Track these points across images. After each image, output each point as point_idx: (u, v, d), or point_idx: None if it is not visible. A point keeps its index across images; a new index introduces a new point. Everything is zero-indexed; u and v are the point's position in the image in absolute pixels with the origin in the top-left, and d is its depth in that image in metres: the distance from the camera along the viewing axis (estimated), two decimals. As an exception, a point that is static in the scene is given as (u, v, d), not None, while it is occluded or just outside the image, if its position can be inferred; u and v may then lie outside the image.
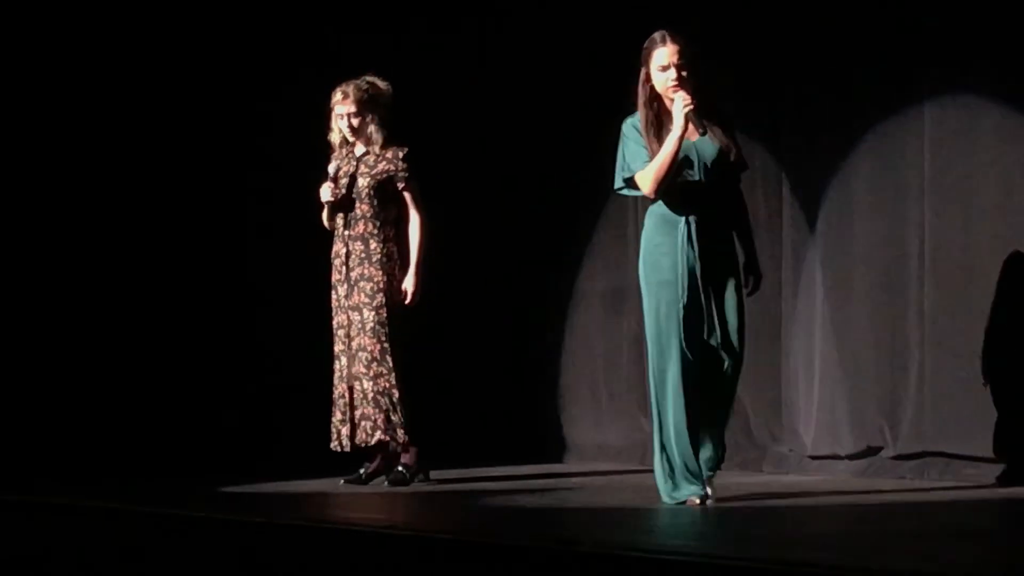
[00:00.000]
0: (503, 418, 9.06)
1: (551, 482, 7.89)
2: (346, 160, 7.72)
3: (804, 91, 7.89)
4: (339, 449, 7.66)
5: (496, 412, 9.08)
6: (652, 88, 6.49)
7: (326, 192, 7.65)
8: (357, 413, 7.60)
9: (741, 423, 8.01)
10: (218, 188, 9.20)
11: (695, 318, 6.43)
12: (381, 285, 7.58)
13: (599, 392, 8.99)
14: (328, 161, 7.73)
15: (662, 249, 6.48)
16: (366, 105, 7.64)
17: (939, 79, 7.42)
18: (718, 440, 6.51)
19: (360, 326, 7.58)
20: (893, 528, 5.96)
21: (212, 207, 9.23)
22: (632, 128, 6.54)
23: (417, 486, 7.56)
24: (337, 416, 7.66)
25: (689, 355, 6.42)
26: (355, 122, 7.65)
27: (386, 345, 7.54)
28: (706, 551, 5.30)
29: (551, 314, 9.15)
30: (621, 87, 8.58)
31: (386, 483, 7.60)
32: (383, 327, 7.55)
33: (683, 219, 6.43)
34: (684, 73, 6.41)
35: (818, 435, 7.81)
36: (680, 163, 6.42)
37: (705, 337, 6.42)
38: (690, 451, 6.44)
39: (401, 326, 7.58)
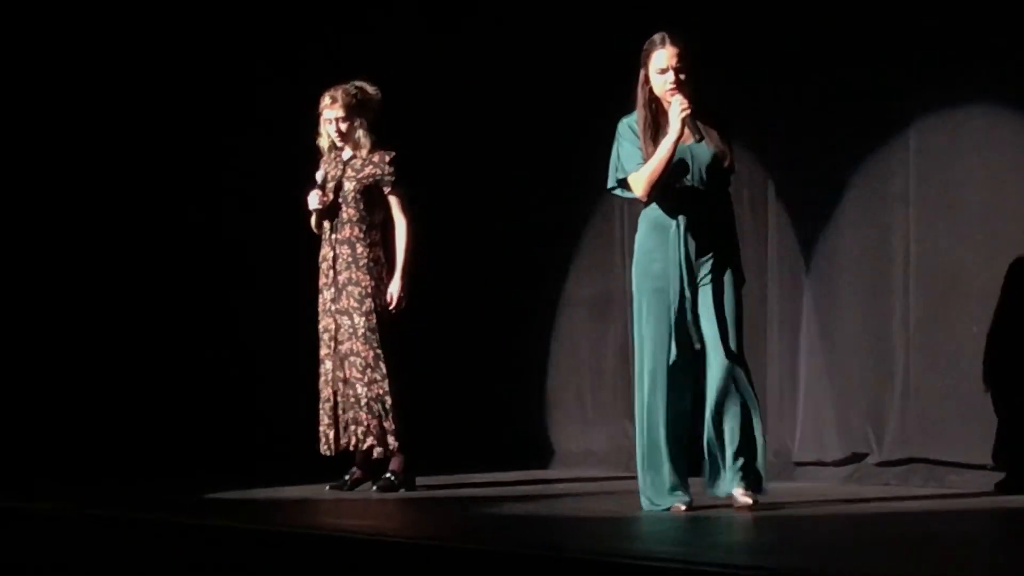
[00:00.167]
0: (489, 424, 9.07)
1: (537, 488, 7.90)
2: (333, 165, 7.73)
3: (790, 98, 7.90)
4: (328, 453, 7.66)
5: (482, 418, 9.09)
6: (651, 90, 6.48)
7: (314, 200, 7.66)
8: (348, 416, 7.60)
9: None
10: (207, 192, 9.22)
11: (686, 325, 6.43)
12: (369, 290, 7.59)
13: (585, 398, 9.00)
14: (317, 167, 7.74)
15: (654, 255, 6.48)
16: (354, 110, 7.65)
17: (925, 88, 7.43)
18: (746, 448, 6.37)
19: (351, 331, 7.58)
20: (881, 534, 5.97)
21: (200, 210, 9.25)
22: (628, 129, 6.53)
23: (404, 493, 7.57)
24: (324, 420, 7.66)
25: (678, 362, 6.41)
26: (343, 127, 7.66)
27: (378, 351, 7.55)
28: (691, 558, 5.30)
29: (537, 320, 9.15)
30: (608, 92, 8.59)
31: (374, 489, 7.61)
32: (373, 333, 7.56)
33: (675, 224, 6.42)
34: (683, 76, 6.40)
35: (803, 442, 7.82)
36: (674, 167, 6.42)
37: (694, 344, 6.42)
38: (675, 458, 6.43)
39: (391, 331, 7.59)
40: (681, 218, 6.42)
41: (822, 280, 7.82)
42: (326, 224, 7.68)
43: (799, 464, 7.86)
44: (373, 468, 7.67)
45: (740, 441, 6.37)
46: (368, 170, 7.66)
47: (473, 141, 9.18)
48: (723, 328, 6.41)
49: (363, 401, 7.56)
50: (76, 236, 9.04)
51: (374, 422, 7.55)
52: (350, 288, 7.60)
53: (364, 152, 7.67)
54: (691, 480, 6.53)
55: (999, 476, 7.15)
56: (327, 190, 7.66)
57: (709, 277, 6.45)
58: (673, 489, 6.45)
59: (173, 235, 9.26)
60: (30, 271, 8.92)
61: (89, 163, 9.08)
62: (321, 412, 7.67)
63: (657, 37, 6.48)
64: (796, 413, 7.87)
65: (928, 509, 6.67)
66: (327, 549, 5.88)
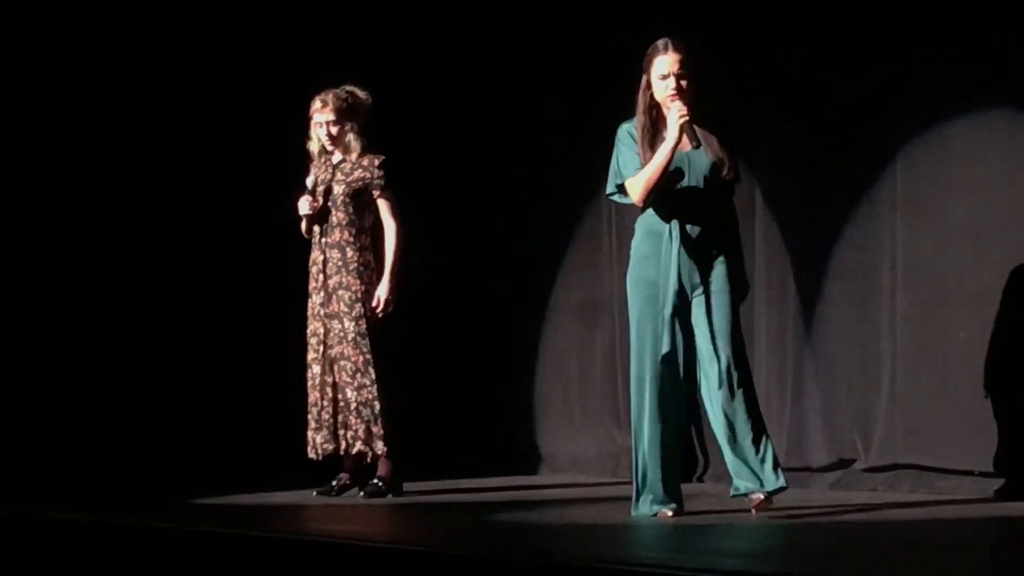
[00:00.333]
0: (477, 430, 9.06)
1: (525, 494, 7.89)
2: (323, 169, 7.72)
3: (776, 104, 7.91)
4: (315, 457, 7.65)
5: (470, 424, 9.08)
6: (651, 96, 6.45)
7: (304, 205, 7.65)
8: (338, 420, 7.59)
9: (708, 435, 8.01)
10: (196, 196, 9.23)
11: (681, 332, 6.41)
12: (359, 295, 7.58)
13: (572, 404, 8.99)
14: (307, 173, 7.73)
15: (647, 262, 6.46)
16: (345, 113, 7.65)
17: (911, 94, 7.44)
18: (748, 454, 6.35)
19: (341, 335, 7.57)
20: (868, 539, 5.98)
21: (189, 214, 9.25)
22: (627, 134, 6.50)
23: (391, 498, 7.56)
24: (311, 425, 7.65)
25: (669, 370, 6.40)
26: (334, 130, 7.65)
27: (368, 356, 7.55)
28: (679, 564, 5.31)
29: (525, 326, 9.15)
30: (600, 98, 8.63)
31: (361, 495, 7.60)
32: (364, 337, 7.55)
33: (670, 231, 6.40)
34: (684, 83, 6.38)
35: (790, 447, 7.82)
36: (672, 174, 6.39)
37: (679, 352, 6.41)
38: (665, 465, 6.43)
39: (381, 336, 7.57)
40: (675, 225, 6.40)
41: (809, 286, 7.83)
42: (316, 228, 7.67)
43: (786, 470, 7.83)
44: (360, 473, 7.67)
45: (748, 444, 6.35)
46: (357, 174, 7.65)
47: (462, 146, 9.17)
48: (715, 339, 6.38)
49: (352, 405, 7.56)
50: (61, 243, 9.03)
51: (362, 427, 7.55)
52: (340, 292, 7.59)
53: (354, 156, 7.67)
54: (698, 486, 6.52)
55: (984, 481, 7.16)
56: (317, 195, 7.66)
57: (704, 287, 6.42)
58: (662, 496, 6.44)
59: (160, 240, 9.25)
60: (17, 277, 8.90)
61: (79, 165, 9.07)
62: (308, 417, 7.66)
63: (660, 43, 6.45)
64: (783, 419, 7.87)
65: (927, 515, 6.66)
66: (314, 555, 5.87)
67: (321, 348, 7.62)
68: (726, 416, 6.36)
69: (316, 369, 7.64)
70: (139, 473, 8.66)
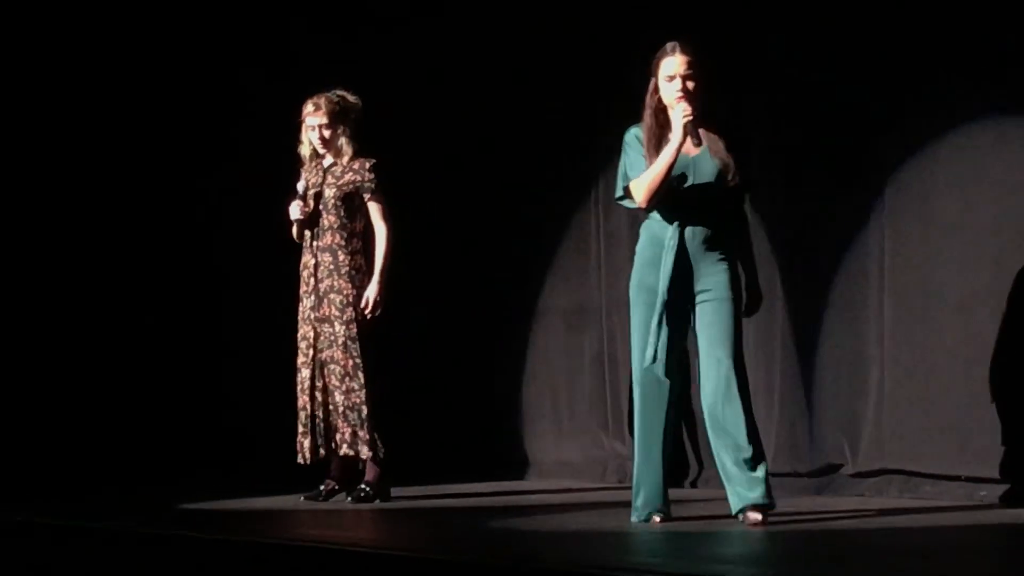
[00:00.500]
0: (464, 435, 9.06)
1: (512, 499, 7.89)
2: (314, 173, 7.71)
3: (765, 111, 7.91)
4: (303, 461, 7.63)
5: (457, 429, 9.08)
6: (659, 99, 6.40)
7: (295, 210, 7.64)
8: (328, 423, 7.58)
9: (702, 441, 8.02)
10: (188, 199, 9.23)
11: (676, 341, 6.38)
12: (350, 299, 7.57)
13: (560, 409, 8.99)
14: (297, 177, 7.72)
15: (649, 267, 6.39)
16: (337, 117, 7.64)
17: (899, 103, 7.45)
18: (743, 461, 6.31)
19: (331, 339, 7.57)
20: (859, 544, 5.98)
21: (179, 219, 9.25)
22: (635, 138, 6.45)
23: (378, 503, 7.55)
24: (300, 429, 7.64)
25: (661, 377, 6.37)
26: (326, 133, 7.64)
27: (358, 360, 7.54)
28: (667, 570, 5.31)
29: (513, 331, 9.15)
30: (588, 104, 8.64)
31: (348, 500, 7.59)
32: (354, 342, 7.54)
33: (672, 237, 6.35)
34: (691, 85, 6.33)
35: (778, 453, 7.82)
36: (677, 178, 6.34)
37: (672, 357, 6.39)
38: (656, 472, 6.42)
39: (371, 340, 7.57)
40: (675, 232, 6.36)
41: (797, 292, 7.83)
42: (307, 233, 7.67)
43: (774, 475, 7.83)
44: (348, 478, 7.66)
45: (742, 457, 6.31)
46: (348, 177, 7.65)
47: (450, 151, 9.17)
48: (713, 348, 6.34)
49: (340, 409, 7.55)
50: (54, 247, 9.02)
51: (349, 430, 7.54)
52: (332, 296, 7.59)
53: (345, 159, 7.66)
54: (690, 491, 6.51)
55: (971, 486, 7.17)
56: (308, 199, 7.65)
57: (707, 293, 6.37)
58: (651, 501, 6.44)
59: (151, 244, 9.25)
60: (10, 281, 8.89)
61: (76, 169, 9.08)
62: (298, 421, 7.65)
63: (668, 46, 6.40)
64: (771, 424, 7.87)
65: (916, 521, 6.65)
66: (301, 560, 5.86)
67: (311, 352, 7.61)
68: (721, 426, 6.34)
69: (305, 373, 7.63)
70: (127, 478, 8.64)
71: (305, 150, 7.73)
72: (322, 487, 7.67)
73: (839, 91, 7.62)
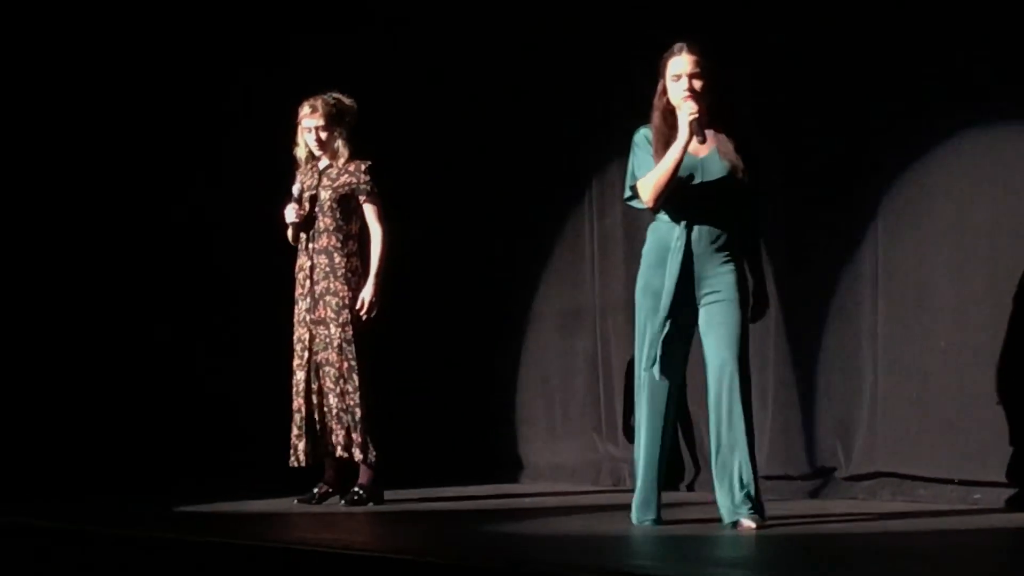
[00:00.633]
0: (458, 438, 9.06)
1: (506, 502, 7.89)
2: (309, 175, 7.71)
3: (758, 112, 7.92)
4: (296, 465, 7.63)
5: (451, 432, 9.08)
6: (668, 100, 6.37)
7: (290, 213, 7.64)
8: (324, 426, 7.58)
9: (698, 443, 8.03)
10: (179, 203, 9.22)
11: (678, 343, 6.36)
12: (346, 301, 7.57)
13: (554, 412, 9.00)
14: (293, 180, 7.72)
15: (655, 270, 6.36)
16: (334, 119, 7.64)
17: (892, 104, 7.46)
18: (734, 467, 6.28)
19: (327, 341, 7.57)
20: (854, 547, 5.98)
21: (171, 221, 9.24)
22: (643, 138, 6.42)
23: (372, 506, 7.55)
24: (294, 432, 7.64)
25: (661, 382, 6.35)
26: (323, 135, 7.64)
27: (353, 363, 7.54)
28: (661, 572, 5.31)
29: (506, 334, 9.15)
30: (581, 107, 8.65)
31: (342, 503, 7.59)
32: (349, 344, 7.54)
33: (678, 238, 6.32)
34: (698, 84, 6.30)
35: (771, 455, 7.83)
36: (684, 179, 6.32)
37: (677, 363, 6.37)
38: (650, 476, 6.41)
39: (367, 343, 7.56)
40: (682, 234, 6.33)
41: (790, 294, 7.83)
42: (302, 235, 7.67)
43: (767, 478, 7.86)
44: (342, 481, 7.66)
45: (737, 469, 6.29)
46: (344, 179, 7.65)
47: (443, 154, 9.18)
48: (718, 351, 6.31)
49: (334, 411, 7.55)
50: (43, 251, 9.01)
51: (342, 432, 7.54)
52: (327, 298, 7.58)
53: (341, 162, 7.66)
54: (686, 494, 6.48)
55: (964, 490, 7.19)
56: (303, 201, 7.65)
57: (713, 295, 6.34)
58: (644, 505, 6.43)
59: (143, 249, 9.24)
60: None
61: (67, 175, 9.07)
62: (292, 424, 7.64)
63: (676, 46, 6.37)
64: (764, 427, 7.88)
65: (912, 525, 6.65)
66: (294, 563, 5.86)
67: (306, 354, 7.61)
68: (719, 431, 6.34)
69: (300, 376, 7.63)
70: (121, 481, 8.63)
71: (301, 152, 7.73)
72: (316, 490, 7.67)
73: (833, 95, 7.63)
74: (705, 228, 6.34)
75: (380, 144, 7.77)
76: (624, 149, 8.45)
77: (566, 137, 8.77)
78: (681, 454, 8.12)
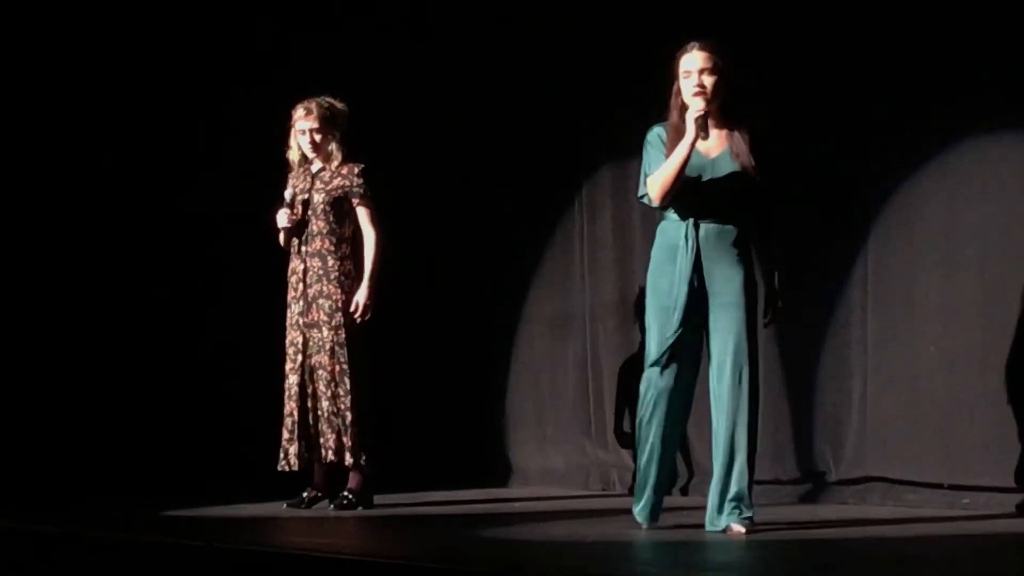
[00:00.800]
0: (447, 442, 9.05)
1: (495, 507, 7.88)
2: (302, 179, 7.70)
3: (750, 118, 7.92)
4: (287, 469, 7.62)
5: (440, 436, 9.07)
6: (683, 99, 6.33)
7: (282, 218, 7.62)
8: (317, 429, 7.56)
9: (695, 447, 8.02)
10: (173, 205, 9.23)
11: (689, 344, 6.32)
12: (339, 304, 7.56)
13: (544, 417, 8.99)
14: (285, 184, 7.70)
15: (663, 271, 6.33)
16: (328, 122, 7.63)
17: (883, 110, 7.47)
18: (731, 471, 6.28)
19: (320, 344, 7.55)
20: (849, 552, 5.98)
21: (164, 223, 9.24)
22: (656, 136, 6.38)
23: (361, 511, 7.54)
24: (284, 435, 7.63)
25: (671, 384, 6.33)
26: (317, 138, 7.62)
27: (344, 366, 7.53)
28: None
29: (497, 338, 9.14)
30: (572, 111, 8.65)
31: (331, 507, 7.58)
32: (342, 348, 7.53)
33: (686, 239, 6.29)
34: (709, 81, 6.26)
35: (761, 460, 7.79)
36: (694, 179, 6.28)
37: (686, 365, 6.33)
38: (652, 479, 6.38)
39: (360, 346, 7.55)
40: (691, 234, 6.30)
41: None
42: (295, 239, 7.65)
43: (757, 483, 7.84)
44: (331, 486, 7.65)
45: (733, 473, 6.29)
46: (337, 182, 7.64)
47: (432, 157, 9.17)
48: (724, 354, 6.28)
49: (325, 415, 7.54)
50: (37, 255, 9.01)
51: (333, 436, 7.53)
52: (320, 301, 7.57)
53: (334, 164, 7.65)
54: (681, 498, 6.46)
55: (953, 494, 7.19)
56: (296, 204, 7.63)
57: (721, 297, 6.30)
58: (645, 508, 6.41)
59: (136, 251, 9.23)
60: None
61: (61, 177, 9.07)
62: (283, 427, 7.63)
63: (689, 44, 6.35)
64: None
65: (904, 529, 6.66)
66: (283, 567, 5.85)
67: (299, 358, 7.60)
68: (719, 437, 6.32)
69: (293, 379, 7.61)
70: (110, 486, 8.62)
71: (294, 155, 7.71)
72: (305, 494, 7.66)
73: (821, 101, 7.63)
74: (714, 228, 6.31)
75: (371, 148, 7.76)
76: (614, 153, 8.52)
77: (555, 141, 8.77)
78: (676, 458, 8.11)
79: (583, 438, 8.72)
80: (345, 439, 7.51)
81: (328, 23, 9.34)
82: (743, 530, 6.26)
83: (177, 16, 9.26)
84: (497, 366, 9.16)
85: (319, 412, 7.56)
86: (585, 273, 8.74)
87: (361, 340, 7.56)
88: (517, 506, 7.96)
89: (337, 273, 7.58)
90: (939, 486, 7.25)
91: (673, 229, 6.36)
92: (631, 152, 8.26)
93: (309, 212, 7.61)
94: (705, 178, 6.31)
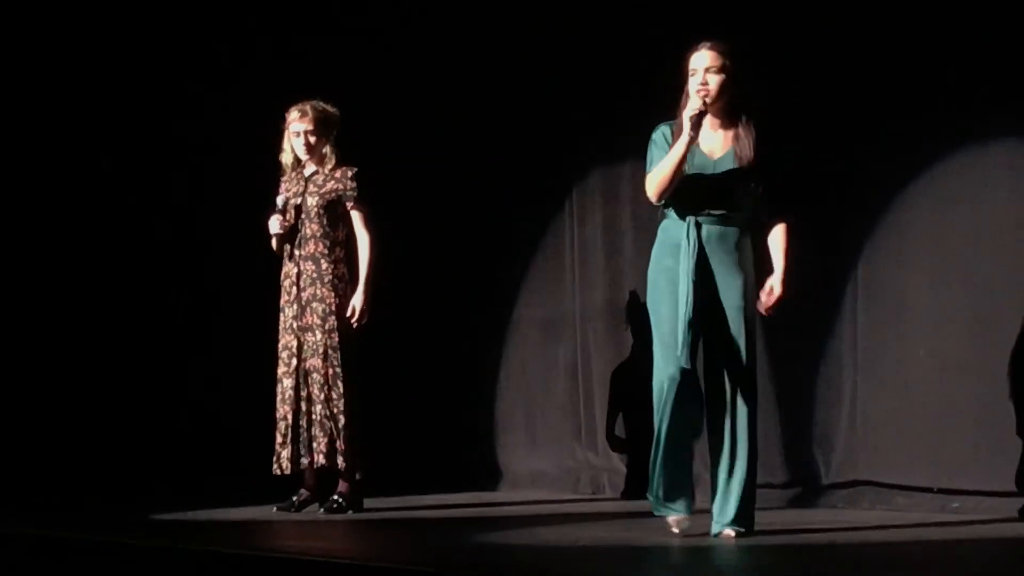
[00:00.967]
0: (438, 446, 9.04)
1: (486, 511, 7.88)
2: (295, 182, 7.69)
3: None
4: (279, 472, 7.60)
5: (431, 440, 9.06)
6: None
7: (275, 224, 7.61)
8: (310, 433, 7.56)
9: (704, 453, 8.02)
10: (168, 208, 9.23)
11: (692, 338, 6.26)
12: (333, 308, 7.55)
13: (534, 420, 8.99)
14: (277, 190, 7.69)
15: (664, 270, 6.31)
16: (323, 124, 7.62)
17: (873, 111, 7.48)
18: (737, 481, 6.23)
19: (314, 348, 7.54)
20: (845, 556, 5.99)
21: (159, 227, 9.24)
22: (661, 135, 6.35)
23: (351, 515, 7.53)
24: (278, 439, 7.61)
25: (683, 380, 6.25)
26: (312, 140, 7.62)
27: (338, 370, 7.52)
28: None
29: (487, 341, 9.14)
30: (564, 113, 8.65)
31: (321, 511, 7.57)
32: (335, 351, 7.52)
33: (688, 238, 6.26)
34: (714, 80, 6.24)
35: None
36: (696, 179, 6.26)
37: (690, 364, 6.33)
38: (673, 472, 6.31)
39: (354, 350, 7.54)
40: (693, 236, 6.27)
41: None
42: (287, 245, 7.63)
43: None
44: (322, 489, 7.64)
45: (728, 479, 6.26)
46: (330, 185, 7.63)
47: (423, 160, 9.16)
48: (723, 360, 6.27)
49: (318, 419, 7.53)
50: (31, 258, 9.00)
51: (325, 440, 7.52)
52: (314, 305, 7.56)
53: (328, 168, 7.65)
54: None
55: (943, 498, 7.19)
56: (288, 209, 7.62)
57: (720, 300, 6.28)
58: (671, 500, 6.34)
59: (127, 255, 9.23)
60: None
61: (53, 181, 9.07)
62: (276, 431, 7.62)
63: (700, 43, 6.33)
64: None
65: (894, 535, 6.67)
66: (272, 571, 5.84)
67: (293, 362, 7.58)
68: (718, 440, 6.31)
69: (287, 383, 7.60)
70: (100, 488, 8.61)
71: (287, 158, 7.70)
72: (295, 498, 7.65)
73: (812, 105, 7.63)
74: (715, 228, 6.29)
75: (363, 152, 7.76)
76: (604, 157, 8.53)
77: (546, 145, 8.77)
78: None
79: (573, 442, 8.72)
80: (338, 443, 7.51)
81: (323, 28, 9.34)
82: (733, 534, 6.25)
83: (177, 16, 9.25)
84: (487, 370, 9.16)
85: (312, 416, 7.55)
86: (575, 277, 8.74)
87: (354, 344, 7.55)
88: (507, 510, 7.95)
89: (331, 277, 7.57)
90: (929, 490, 7.26)
91: (675, 228, 6.34)
92: (622, 156, 8.33)
93: (302, 216, 7.60)
94: (706, 176, 6.30)
